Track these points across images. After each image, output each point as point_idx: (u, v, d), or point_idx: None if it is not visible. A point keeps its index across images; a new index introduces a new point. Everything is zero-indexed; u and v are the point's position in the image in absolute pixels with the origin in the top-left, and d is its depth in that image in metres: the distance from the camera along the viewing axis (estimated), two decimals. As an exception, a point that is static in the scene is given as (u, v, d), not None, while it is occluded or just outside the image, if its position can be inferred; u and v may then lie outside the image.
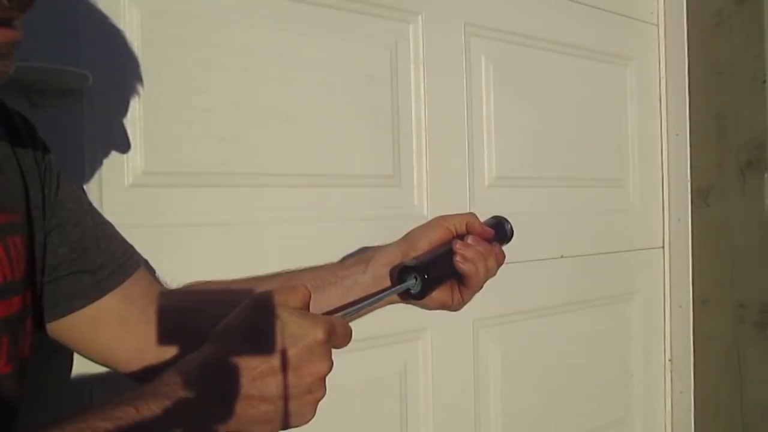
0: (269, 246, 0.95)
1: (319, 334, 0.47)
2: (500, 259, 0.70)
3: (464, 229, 0.69)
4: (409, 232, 0.72)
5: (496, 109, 1.24)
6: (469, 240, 0.67)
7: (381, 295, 0.63)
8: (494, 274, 0.69)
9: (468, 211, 0.71)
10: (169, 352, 0.63)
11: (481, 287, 0.69)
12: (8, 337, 0.52)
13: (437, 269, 0.65)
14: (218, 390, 0.45)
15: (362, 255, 0.71)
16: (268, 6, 0.96)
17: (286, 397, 0.45)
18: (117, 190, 0.83)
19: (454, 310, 0.71)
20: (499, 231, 0.73)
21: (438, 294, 0.67)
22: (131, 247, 0.67)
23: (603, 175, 1.47)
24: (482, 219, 0.73)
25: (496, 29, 1.25)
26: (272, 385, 0.45)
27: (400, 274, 0.65)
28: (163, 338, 0.63)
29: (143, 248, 0.84)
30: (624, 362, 1.51)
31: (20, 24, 0.45)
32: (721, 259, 1.47)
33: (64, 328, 0.60)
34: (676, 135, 1.54)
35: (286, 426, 0.47)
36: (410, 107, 1.12)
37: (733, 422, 1.46)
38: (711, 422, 1.50)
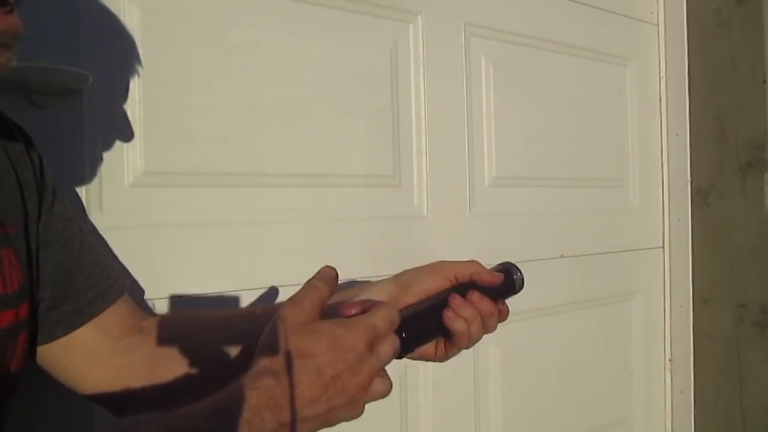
0: (269, 246, 0.95)
1: (360, 345, 0.48)
2: (503, 316, 0.63)
3: (468, 278, 0.62)
4: (403, 273, 0.64)
5: (496, 109, 1.24)
6: (473, 297, 0.60)
7: None
8: (493, 331, 0.62)
9: (471, 260, 0.64)
10: (140, 383, 0.61)
11: (471, 346, 0.62)
12: None
13: (421, 327, 0.58)
14: (279, 418, 0.45)
15: (349, 293, 0.64)
16: (268, 6, 0.96)
17: (330, 410, 0.47)
18: (117, 190, 0.83)
19: (436, 361, 0.64)
20: (507, 281, 0.64)
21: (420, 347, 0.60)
22: (116, 272, 0.65)
23: (603, 175, 1.47)
24: (486, 264, 0.65)
25: (496, 29, 1.25)
26: (318, 404, 0.46)
27: None
28: (140, 372, 0.62)
29: (143, 248, 0.84)
30: (624, 362, 1.51)
31: (19, 14, 0.45)
32: (721, 259, 1.47)
33: (40, 353, 0.60)
34: (676, 135, 1.54)
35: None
36: (410, 107, 1.12)
37: (733, 422, 1.46)
38: (711, 422, 1.50)
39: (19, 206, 0.56)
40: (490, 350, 1.24)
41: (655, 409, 1.57)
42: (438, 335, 0.60)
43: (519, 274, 0.64)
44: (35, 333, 0.58)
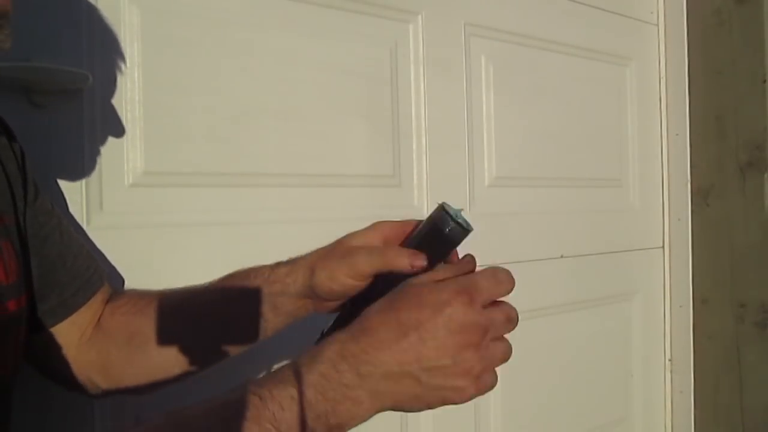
0: (269, 246, 0.95)
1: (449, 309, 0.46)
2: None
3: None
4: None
5: (496, 109, 1.24)
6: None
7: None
8: None
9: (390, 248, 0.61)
10: (140, 365, 0.62)
11: None
12: None
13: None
14: (356, 368, 0.44)
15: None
16: (268, 6, 0.96)
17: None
18: (117, 190, 0.83)
19: None
20: (437, 237, 0.52)
21: None
22: (96, 262, 0.66)
23: (603, 175, 1.47)
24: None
25: (496, 29, 1.25)
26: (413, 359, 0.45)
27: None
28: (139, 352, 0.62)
29: (143, 248, 0.84)
30: (624, 362, 1.51)
31: None
32: (721, 259, 1.47)
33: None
34: (676, 135, 1.54)
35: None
36: (410, 107, 1.12)
37: (733, 422, 1.46)
38: (711, 422, 1.50)
39: (9, 198, 0.57)
40: (490, 350, 1.24)
41: (655, 409, 1.57)
42: None
43: (451, 223, 0.50)
44: (33, 321, 0.58)
